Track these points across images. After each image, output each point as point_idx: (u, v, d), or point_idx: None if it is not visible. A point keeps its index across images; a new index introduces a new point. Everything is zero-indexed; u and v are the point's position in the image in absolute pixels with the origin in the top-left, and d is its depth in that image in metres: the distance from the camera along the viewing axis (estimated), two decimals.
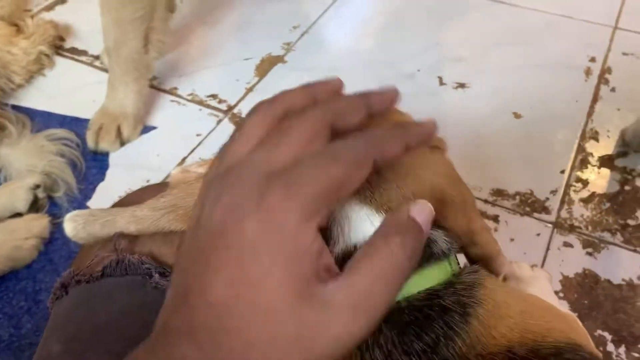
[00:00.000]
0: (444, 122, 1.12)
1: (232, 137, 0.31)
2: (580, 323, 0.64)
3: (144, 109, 1.07)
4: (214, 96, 1.15)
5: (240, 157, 0.29)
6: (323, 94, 0.33)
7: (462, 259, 0.40)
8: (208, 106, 1.13)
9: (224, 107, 1.13)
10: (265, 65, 1.22)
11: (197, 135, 1.07)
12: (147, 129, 1.08)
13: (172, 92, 1.16)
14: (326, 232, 0.34)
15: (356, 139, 0.29)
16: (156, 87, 1.16)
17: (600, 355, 0.49)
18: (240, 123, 0.33)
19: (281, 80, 1.19)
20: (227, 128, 1.08)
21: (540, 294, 0.82)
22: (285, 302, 0.26)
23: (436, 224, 0.37)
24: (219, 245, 0.27)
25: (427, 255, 0.36)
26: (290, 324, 0.26)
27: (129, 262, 0.47)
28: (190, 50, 1.26)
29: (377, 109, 0.33)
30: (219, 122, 1.10)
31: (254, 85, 1.17)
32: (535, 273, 0.82)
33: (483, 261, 0.42)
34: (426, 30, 1.29)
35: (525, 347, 0.34)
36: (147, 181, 0.99)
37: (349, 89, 1.17)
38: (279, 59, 1.24)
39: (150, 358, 0.27)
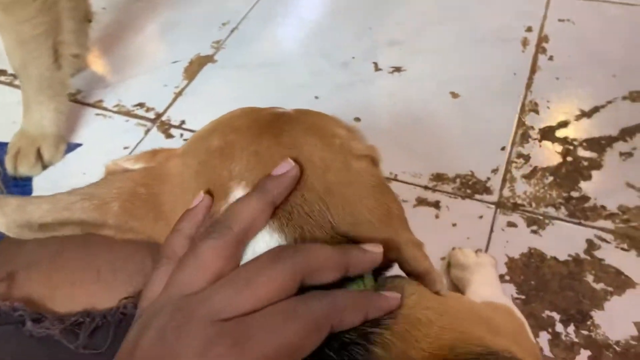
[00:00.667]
0: (380, 109, 1.09)
1: (186, 262, 0.31)
2: (517, 313, 0.61)
3: (64, 127, 1.02)
4: (141, 105, 1.10)
5: (195, 290, 0.29)
6: (280, 195, 0.33)
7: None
8: (135, 116, 1.08)
9: (151, 115, 1.08)
10: (194, 67, 1.17)
11: (125, 148, 1.02)
12: (71, 147, 1.03)
13: (97, 105, 1.11)
14: None
15: (319, 301, 0.29)
16: (80, 101, 1.11)
17: (535, 351, 0.47)
18: (195, 245, 0.31)
19: (211, 81, 1.14)
20: (156, 137, 1.04)
21: (482, 280, 0.80)
22: None
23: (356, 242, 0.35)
24: None
25: (341, 280, 0.34)
26: None
27: (1, 310, 0.43)
28: (115, 60, 1.21)
29: (354, 272, 0.32)
30: (147, 131, 1.05)
31: (182, 89, 1.13)
32: (480, 259, 0.81)
33: (414, 278, 0.39)
34: (358, 16, 1.25)
35: (441, 344, 0.33)
36: None
37: (282, 82, 1.13)
38: (208, 59, 1.19)
39: None
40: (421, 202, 0.90)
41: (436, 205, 0.90)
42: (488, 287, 0.74)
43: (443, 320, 0.36)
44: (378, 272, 0.38)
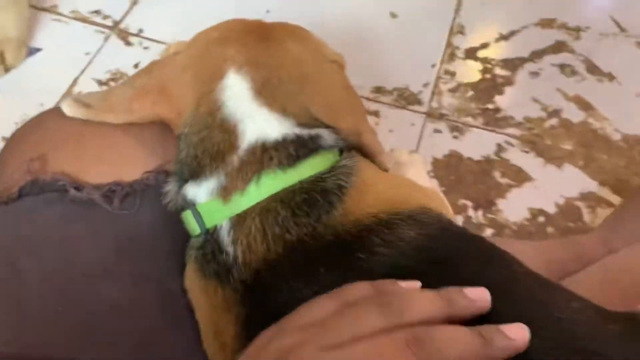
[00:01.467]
0: (328, 27, 1.20)
1: (304, 310, 0.34)
2: (440, 194, 0.77)
3: (27, 32, 1.04)
4: (97, 12, 1.14)
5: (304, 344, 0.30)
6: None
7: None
8: (93, 23, 1.12)
9: (109, 22, 1.12)
10: None
11: (86, 54, 1.07)
12: (32, 51, 1.06)
13: (52, 10, 1.13)
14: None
15: None
16: (34, 5, 1.12)
17: (451, 214, 0.62)
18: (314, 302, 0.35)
19: None
20: (115, 44, 1.09)
21: (415, 174, 0.96)
22: None
23: (327, 125, 0.47)
24: None
25: (316, 147, 0.45)
26: None
27: (44, 181, 0.52)
28: None
29: (461, 316, 0.33)
30: (106, 38, 1.10)
31: None
32: (412, 158, 0.96)
33: (370, 157, 0.52)
34: None
35: (387, 212, 0.45)
36: (42, 105, 0.99)
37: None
38: None
39: None
40: (367, 118, 1.03)
41: (376, 114, 1.03)
42: (421, 179, 0.89)
43: (387, 183, 0.49)
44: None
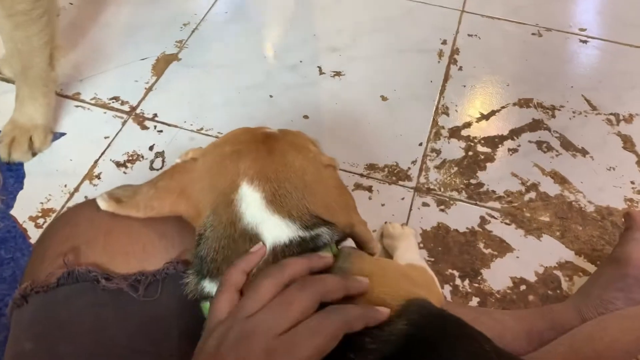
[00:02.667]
0: (324, 108, 1.32)
1: (248, 295, 0.45)
2: (429, 271, 0.85)
3: (53, 119, 1.16)
4: (116, 98, 1.25)
5: (252, 312, 0.43)
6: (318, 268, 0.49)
7: None
8: (112, 109, 1.23)
9: (126, 108, 1.24)
10: (161, 64, 1.33)
11: (105, 137, 1.17)
12: (56, 136, 1.17)
13: (75, 97, 1.25)
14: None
15: (337, 314, 0.43)
16: (60, 94, 1.24)
17: (438, 289, 0.70)
18: (254, 282, 0.47)
19: (178, 78, 1.30)
20: (132, 128, 1.20)
21: (405, 247, 1.04)
22: None
23: (324, 222, 0.55)
24: None
25: (316, 247, 0.54)
26: None
27: (78, 272, 0.60)
28: (86, 54, 1.34)
29: (353, 292, 0.48)
30: (124, 123, 1.21)
31: (152, 85, 1.29)
32: (404, 231, 1.05)
33: (361, 245, 0.61)
34: (304, 24, 1.45)
35: (381, 300, 0.53)
36: (65, 186, 1.09)
37: (239, 82, 1.36)
38: (173, 57, 1.35)
39: None
40: (358, 186, 1.13)
41: (369, 189, 1.13)
42: (409, 252, 0.97)
43: (378, 275, 0.57)
44: (339, 242, 0.60)
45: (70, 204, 1.06)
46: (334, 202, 0.60)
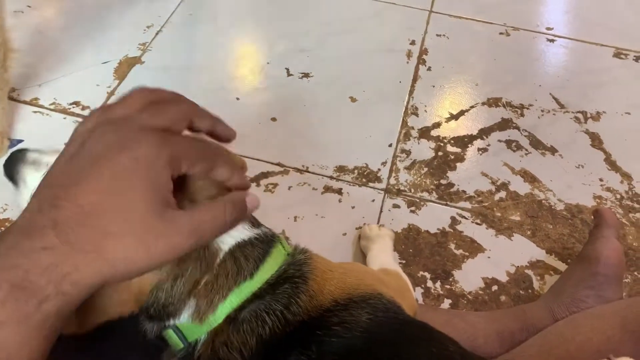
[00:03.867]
0: (292, 110, 1.29)
1: (117, 102, 0.41)
2: (404, 277, 0.83)
3: (7, 124, 1.11)
4: (76, 103, 1.21)
5: (126, 114, 0.39)
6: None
7: None
8: (72, 114, 1.19)
9: (87, 113, 1.19)
10: (124, 68, 1.29)
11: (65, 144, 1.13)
12: (13, 143, 1.12)
13: (33, 103, 1.20)
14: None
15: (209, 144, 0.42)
16: (16, 99, 1.20)
17: (415, 304, 0.68)
18: (125, 94, 0.43)
19: (141, 82, 1.26)
20: None
21: (379, 249, 1.02)
22: (142, 211, 0.36)
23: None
24: (96, 166, 0.36)
25: (266, 245, 0.52)
26: (141, 227, 0.36)
27: None
28: (45, 58, 1.29)
29: (219, 134, 0.46)
30: None
31: (115, 89, 1.25)
32: (381, 232, 1.03)
33: None
34: (272, 25, 1.42)
35: (345, 296, 0.52)
36: None
37: (205, 84, 1.33)
38: (136, 60, 1.31)
39: (10, 251, 0.34)
40: (327, 189, 1.11)
41: (339, 191, 1.11)
42: (383, 254, 0.95)
43: (341, 272, 0.56)
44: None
45: None
46: None
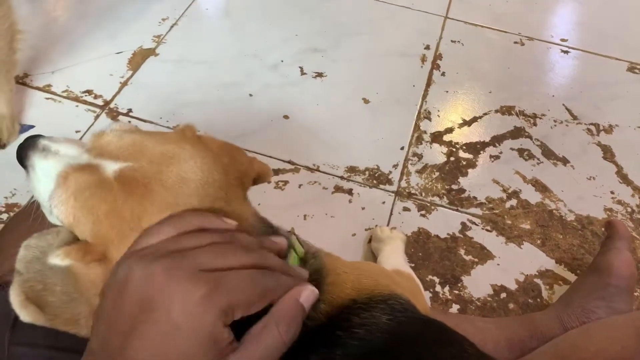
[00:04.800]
0: (305, 109, 1.29)
1: (186, 237, 0.39)
2: (416, 279, 0.83)
3: (17, 109, 1.11)
4: (89, 92, 1.21)
5: (180, 249, 0.37)
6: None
7: None
8: (84, 102, 1.19)
9: (100, 102, 1.19)
10: (138, 59, 1.29)
11: (77, 131, 1.13)
12: (24, 128, 1.12)
13: (46, 89, 1.20)
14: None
15: (272, 279, 0.39)
16: (29, 84, 1.19)
17: (426, 307, 0.67)
18: (156, 226, 0.40)
19: (154, 73, 1.26)
20: (105, 123, 1.15)
21: (391, 250, 1.02)
22: None
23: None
24: (146, 318, 0.34)
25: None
26: None
27: None
28: (60, 45, 1.29)
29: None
30: (96, 117, 1.16)
31: (128, 79, 1.24)
32: (393, 234, 1.02)
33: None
34: (287, 23, 1.42)
35: (363, 297, 0.52)
36: None
37: (218, 79, 1.33)
38: (150, 52, 1.31)
39: None
40: (338, 189, 1.10)
41: (349, 192, 1.11)
42: (394, 256, 0.95)
43: (357, 272, 0.55)
44: None
45: None
46: None
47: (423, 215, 1.08)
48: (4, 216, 0.99)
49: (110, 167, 0.44)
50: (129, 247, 0.40)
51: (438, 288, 0.99)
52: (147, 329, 0.34)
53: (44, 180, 0.46)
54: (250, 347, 0.36)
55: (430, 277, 1.00)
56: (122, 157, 0.45)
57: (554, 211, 1.11)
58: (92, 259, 0.42)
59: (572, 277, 1.01)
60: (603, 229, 1.05)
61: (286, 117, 1.21)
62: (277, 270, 0.40)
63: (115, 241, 0.42)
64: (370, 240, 1.03)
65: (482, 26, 1.47)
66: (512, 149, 1.21)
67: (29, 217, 0.63)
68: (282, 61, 1.32)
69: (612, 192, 1.15)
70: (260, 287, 0.37)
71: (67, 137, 0.49)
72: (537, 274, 1.02)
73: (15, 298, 0.44)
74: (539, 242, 1.06)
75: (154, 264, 0.35)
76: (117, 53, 1.29)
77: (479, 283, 1.00)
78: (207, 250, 0.37)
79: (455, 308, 0.97)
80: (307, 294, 0.39)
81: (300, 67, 1.31)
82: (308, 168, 1.13)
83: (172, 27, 1.37)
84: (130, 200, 0.43)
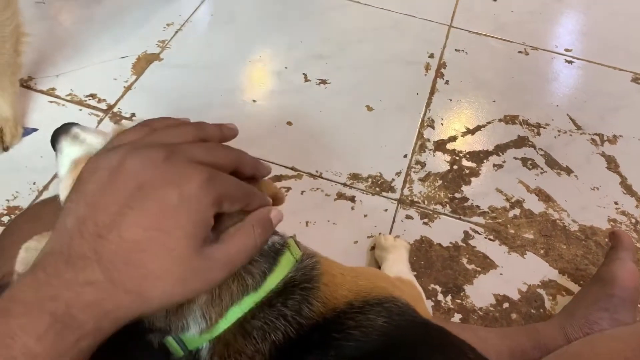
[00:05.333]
0: (308, 116, 1.29)
1: (168, 126, 0.42)
2: (418, 287, 0.82)
3: (21, 112, 1.10)
4: (93, 96, 1.21)
5: (177, 142, 0.40)
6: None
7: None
8: (88, 106, 1.19)
9: (103, 106, 1.19)
10: (142, 63, 1.29)
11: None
12: (27, 131, 1.12)
13: (49, 92, 1.20)
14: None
15: (232, 149, 0.44)
16: (33, 88, 1.19)
17: (423, 299, 0.66)
18: (174, 121, 0.44)
19: (158, 78, 1.26)
20: (108, 127, 1.15)
21: (395, 259, 1.01)
22: (185, 250, 0.36)
23: None
24: (144, 197, 0.36)
25: (275, 255, 0.50)
26: (181, 266, 0.36)
27: None
28: (65, 49, 1.29)
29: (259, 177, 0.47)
30: (100, 121, 1.16)
31: (132, 84, 1.24)
32: (396, 243, 1.02)
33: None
34: (291, 30, 1.42)
35: (359, 300, 0.51)
36: (34, 183, 1.04)
37: (222, 84, 1.33)
38: (154, 57, 1.31)
39: (52, 279, 0.33)
40: (340, 196, 1.10)
41: (352, 199, 1.10)
42: (398, 264, 0.94)
43: (354, 274, 0.55)
44: None
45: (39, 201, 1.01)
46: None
47: (426, 224, 1.08)
48: (6, 219, 0.99)
49: None
50: (106, 144, 0.43)
51: (440, 297, 0.98)
52: (144, 206, 0.36)
53: (65, 164, 0.49)
54: (228, 241, 0.40)
55: (432, 285, 1.00)
56: None
57: (557, 221, 1.10)
58: None
59: (575, 288, 1.00)
60: (607, 239, 1.04)
61: (289, 123, 1.20)
62: (250, 174, 0.45)
63: None
64: (373, 248, 1.02)
65: (486, 35, 1.47)
66: (515, 158, 1.20)
67: (31, 220, 0.63)
68: (286, 67, 1.32)
69: (616, 203, 1.14)
70: (246, 189, 0.42)
71: (98, 129, 0.51)
72: (540, 284, 1.01)
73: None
74: (542, 252, 1.05)
75: (152, 152, 0.38)
76: (122, 58, 1.29)
77: (481, 292, 0.99)
78: (198, 146, 0.40)
79: (457, 317, 0.96)
80: (276, 213, 0.44)
81: (304, 73, 1.31)
82: (311, 174, 1.13)
83: (176, 32, 1.37)
84: None
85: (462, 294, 0.99)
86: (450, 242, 1.05)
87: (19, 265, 0.47)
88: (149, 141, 0.40)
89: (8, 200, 1.01)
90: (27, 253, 0.49)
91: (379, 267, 0.98)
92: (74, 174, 0.45)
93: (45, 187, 1.04)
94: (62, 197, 0.47)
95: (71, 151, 0.49)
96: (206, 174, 0.38)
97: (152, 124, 0.44)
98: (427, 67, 1.37)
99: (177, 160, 0.38)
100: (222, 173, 0.40)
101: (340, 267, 0.55)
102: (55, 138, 0.53)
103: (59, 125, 0.53)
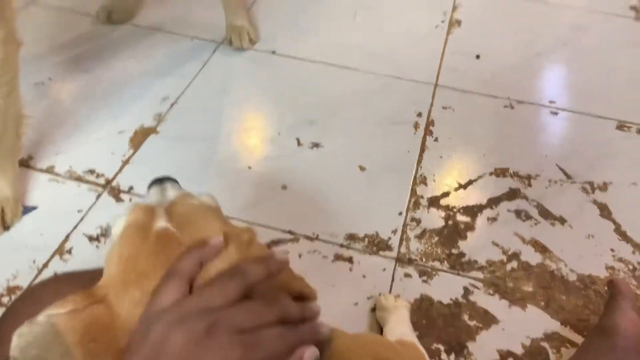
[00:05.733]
0: (302, 179, 1.31)
1: (212, 289, 0.42)
2: (420, 348, 0.82)
3: (21, 189, 1.13)
4: (91, 171, 1.23)
5: (215, 307, 0.41)
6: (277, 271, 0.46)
7: None
8: (87, 182, 1.21)
9: (102, 181, 1.22)
10: (139, 137, 1.32)
11: (79, 211, 1.14)
12: (27, 210, 1.14)
13: (49, 170, 1.23)
14: None
15: (294, 333, 0.43)
16: (33, 167, 1.22)
17: None
18: (219, 280, 0.44)
19: (155, 151, 1.30)
20: (107, 202, 1.17)
21: (397, 320, 1.01)
22: None
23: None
24: None
25: None
26: None
27: None
28: (64, 127, 1.33)
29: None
30: (98, 196, 1.18)
31: (129, 158, 1.27)
32: (397, 303, 1.02)
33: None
34: (281, 97, 1.47)
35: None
36: (34, 261, 1.05)
37: (217, 154, 1.35)
38: (151, 130, 1.35)
39: None
40: (338, 257, 1.11)
41: (350, 260, 1.11)
42: (400, 326, 0.94)
43: (362, 347, 0.56)
44: None
45: (38, 281, 1.02)
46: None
47: (425, 281, 1.08)
48: (5, 299, 0.99)
49: (161, 223, 0.47)
50: (149, 304, 0.42)
51: (444, 356, 0.98)
52: None
53: (119, 225, 0.50)
54: None
55: (435, 345, 0.99)
56: (176, 221, 0.48)
57: (555, 272, 1.11)
58: (93, 300, 0.44)
59: (578, 339, 1.00)
60: (606, 287, 1.04)
61: (284, 187, 1.23)
62: (296, 317, 0.44)
63: (118, 287, 0.44)
64: (374, 309, 1.02)
65: (472, 92, 1.52)
66: (509, 210, 1.22)
67: (29, 303, 0.64)
68: (279, 134, 1.36)
69: (612, 250, 1.15)
70: (288, 343, 0.42)
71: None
72: (543, 337, 1.00)
73: None
74: (542, 304, 1.05)
75: (195, 325, 0.39)
76: (119, 132, 1.33)
77: (484, 349, 0.98)
78: (240, 312, 0.41)
79: None
80: (309, 354, 0.42)
81: (297, 138, 1.35)
82: (307, 237, 1.14)
83: (172, 105, 1.42)
84: (150, 257, 0.45)
85: (465, 351, 0.98)
86: (451, 299, 1.05)
87: (14, 351, 0.48)
88: (191, 308, 0.41)
89: (8, 280, 1.02)
90: (20, 339, 0.50)
91: (381, 329, 0.97)
92: (124, 219, 0.48)
93: (45, 265, 1.05)
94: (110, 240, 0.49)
95: (114, 230, 0.50)
96: (244, 348, 0.39)
97: (186, 271, 0.43)
98: (416, 126, 1.40)
99: (219, 335, 0.39)
100: (264, 336, 0.41)
101: (345, 337, 0.55)
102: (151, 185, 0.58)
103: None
